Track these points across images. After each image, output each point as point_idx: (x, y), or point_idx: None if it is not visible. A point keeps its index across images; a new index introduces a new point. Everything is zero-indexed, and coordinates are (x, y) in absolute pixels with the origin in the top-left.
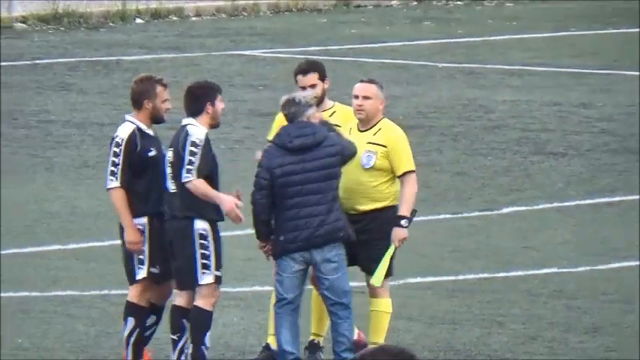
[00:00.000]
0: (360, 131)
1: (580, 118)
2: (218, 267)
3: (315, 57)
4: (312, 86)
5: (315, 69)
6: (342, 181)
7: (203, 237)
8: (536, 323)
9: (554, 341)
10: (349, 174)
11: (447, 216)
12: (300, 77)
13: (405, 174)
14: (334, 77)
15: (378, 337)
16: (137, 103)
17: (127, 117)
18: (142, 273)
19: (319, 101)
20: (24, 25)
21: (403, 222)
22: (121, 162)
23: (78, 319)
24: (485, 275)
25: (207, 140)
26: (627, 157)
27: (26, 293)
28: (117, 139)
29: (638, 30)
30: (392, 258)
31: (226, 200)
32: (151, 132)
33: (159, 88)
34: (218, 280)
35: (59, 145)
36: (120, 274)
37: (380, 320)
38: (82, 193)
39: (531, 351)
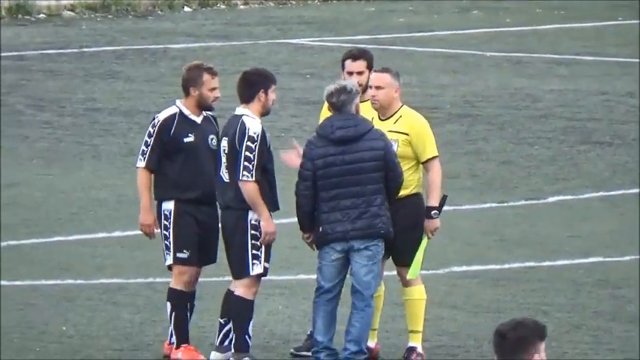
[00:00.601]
0: (381, 120)
1: (627, 108)
2: (267, 258)
3: (363, 46)
4: (360, 73)
5: (365, 57)
6: None
7: (255, 228)
8: (581, 312)
9: (599, 330)
10: None
11: (493, 205)
12: (348, 62)
13: (429, 160)
14: (382, 66)
15: (416, 324)
16: (185, 90)
17: (177, 102)
18: (169, 259)
19: (362, 90)
20: (72, 13)
21: (433, 213)
22: (152, 143)
23: (123, 307)
24: (531, 264)
25: (263, 133)
26: None
27: (71, 281)
28: (154, 120)
29: None
30: (414, 244)
31: (266, 220)
32: (196, 118)
33: (206, 77)
34: (266, 271)
35: (106, 132)
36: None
37: (415, 307)
38: (128, 181)
39: (576, 340)
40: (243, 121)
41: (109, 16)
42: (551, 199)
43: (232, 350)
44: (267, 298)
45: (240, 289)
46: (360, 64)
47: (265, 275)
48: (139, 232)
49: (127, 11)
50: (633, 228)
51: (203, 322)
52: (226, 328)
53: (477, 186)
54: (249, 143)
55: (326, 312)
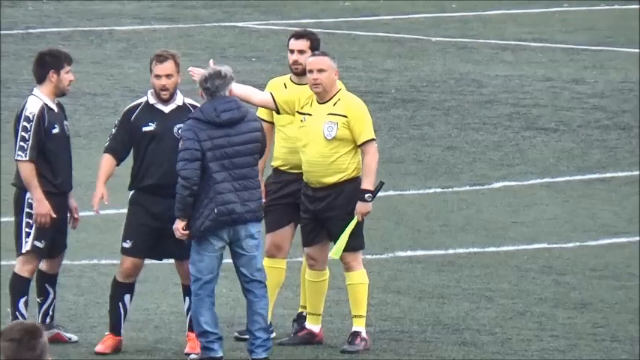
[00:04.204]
0: (320, 103)
1: (572, 94)
2: (39, 237)
3: (310, 29)
4: (301, 52)
5: (309, 37)
6: (306, 155)
7: (30, 207)
8: (525, 298)
9: (543, 316)
10: (312, 147)
11: (438, 190)
12: (292, 41)
13: (365, 143)
14: (327, 50)
15: (359, 309)
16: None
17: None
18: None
19: (302, 72)
20: None
21: (367, 196)
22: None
23: (67, 289)
24: (475, 250)
25: (41, 113)
26: (618, 134)
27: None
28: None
29: (632, 6)
30: (358, 231)
31: (37, 201)
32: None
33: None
34: (35, 249)
35: None
36: (109, 244)
37: (357, 292)
38: (75, 163)
39: (520, 326)
40: (25, 101)
41: None
42: (495, 185)
43: None
44: None
45: (16, 265)
46: (302, 43)
47: (40, 253)
48: (84, 213)
49: None
50: (577, 215)
51: (147, 304)
52: (44, 308)
53: (422, 171)
54: (24, 123)
55: (211, 303)
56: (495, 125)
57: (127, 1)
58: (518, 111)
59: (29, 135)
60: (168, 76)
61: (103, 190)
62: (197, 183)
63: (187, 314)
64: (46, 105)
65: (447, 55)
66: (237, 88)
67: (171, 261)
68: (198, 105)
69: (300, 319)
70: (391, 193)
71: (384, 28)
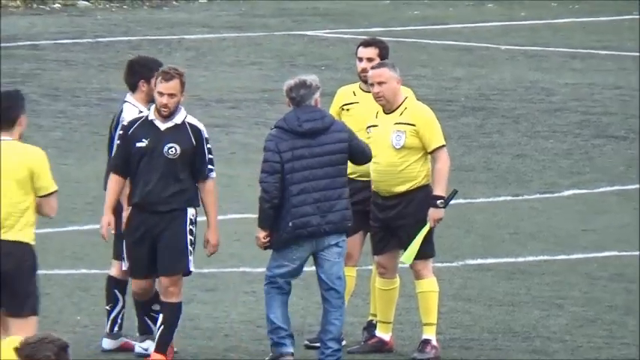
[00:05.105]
0: (386, 114)
1: None
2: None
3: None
4: (369, 60)
5: (378, 45)
6: (376, 165)
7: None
8: (596, 306)
9: (613, 324)
10: (382, 156)
11: (508, 198)
12: (360, 49)
13: (435, 150)
14: (397, 58)
15: (430, 316)
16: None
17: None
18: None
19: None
20: (87, 3)
21: (439, 202)
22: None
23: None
24: (545, 258)
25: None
26: None
27: (85, 270)
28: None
29: None
30: (429, 238)
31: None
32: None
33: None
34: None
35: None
36: None
37: (428, 300)
38: None
39: (590, 333)
40: (121, 108)
41: (124, 6)
42: (565, 193)
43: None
44: None
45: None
46: (371, 51)
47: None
48: None
49: (142, 1)
50: None
51: (217, 313)
52: (113, 315)
53: (492, 179)
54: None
55: (284, 302)
56: (565, 133)
57: (196, 9)
58: (588, 119)
59: None
60: (171, 95)
61: (110, 217)
62: (277, 196)
63: (158, 330)
64: (141, 112)
65: (517, 63)
66: None
67: (242, 269)
68: (199, 125)
69: (370, 327)
70: (461, 201)
71: (454, 37)
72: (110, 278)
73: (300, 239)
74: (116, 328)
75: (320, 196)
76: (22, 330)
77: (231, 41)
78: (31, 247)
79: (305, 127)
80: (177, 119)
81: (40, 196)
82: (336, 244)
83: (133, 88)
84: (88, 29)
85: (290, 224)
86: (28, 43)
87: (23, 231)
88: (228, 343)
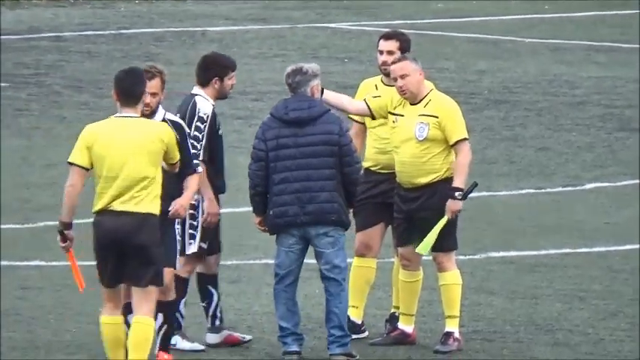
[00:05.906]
0: (411, 105)
1: None
2: (201, 238)
3: (402, 30)
4: (390, 53)
5: (399, 38)
6: (399, 156)
7: (193, 207)
8: (618, 299)
9: (636, 317)
10: (405, 148)
11: (530, 191)
12: (381, 42)
13: (457, 142)
14: (420, 51)
15: (453, 309)
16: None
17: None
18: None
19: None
20: None
21: (457, 194)
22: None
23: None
24: (567, 250)
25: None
26: None
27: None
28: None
29: None
30: (452, 231)
31: (210, 202)
32: None
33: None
34: (200, 249)
35: None
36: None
37: (450, 292)
38: None
39: (612, 326)
40: (193, 101)
41: None
42: (588, 186)
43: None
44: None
45: None
46: (391, 44)
47: (202, 254)
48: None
49: None
50: None
51: (240, 305)
52: (211, 310)
53: (515, 172)
54: (198, 124)
55: (287, 298)
56: (588, 126)
57: (219, 2)
58: (611, 112)
59: (202, 135)
60: (153, 94)
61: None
62: (259, 184)
63: (158, 333)
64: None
65: (540, 56)
66: (331, 97)
67: (264, 261)
68: (179, 121)
69: (393, 319)
70: (484, 194)
71: (477, 30)
72: (200, 275)
73: (279, 229)
74: (217, 322)
75: (300, 187)
76: (143, 299)
77: (255, 33)
78: (157, 218)
79: (291, 115)
80: (158, 117)
81: (172, 164)
82: (326, 234)
83: (205, 84)
84: (112, 21)
85: (271, 212)
86: (52, 34)
87: (154, 202)
88: (251, 335)
